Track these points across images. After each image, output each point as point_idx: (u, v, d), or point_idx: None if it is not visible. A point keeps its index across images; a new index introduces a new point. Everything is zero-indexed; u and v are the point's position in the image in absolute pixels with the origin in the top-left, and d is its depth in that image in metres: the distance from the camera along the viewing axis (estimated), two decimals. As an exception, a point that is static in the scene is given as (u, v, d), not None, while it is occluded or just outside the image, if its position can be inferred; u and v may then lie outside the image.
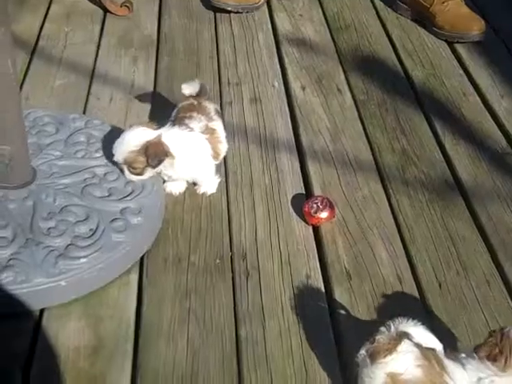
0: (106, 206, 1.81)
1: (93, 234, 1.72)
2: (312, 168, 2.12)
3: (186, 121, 1.96)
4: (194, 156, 1.93)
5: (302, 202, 1.95)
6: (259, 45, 2.70)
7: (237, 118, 2.30)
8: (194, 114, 1.98)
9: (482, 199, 2.03)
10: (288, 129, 2.28)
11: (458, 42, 2.74)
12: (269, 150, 2.18)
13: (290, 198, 2.00)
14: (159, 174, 1.93)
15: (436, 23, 2.77)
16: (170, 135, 1.89)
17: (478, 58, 2.66)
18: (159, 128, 1.91)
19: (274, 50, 2.68)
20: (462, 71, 2.60)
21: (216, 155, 1.99)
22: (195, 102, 2.04)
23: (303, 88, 2.47)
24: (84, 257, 1.67)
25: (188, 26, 2.80)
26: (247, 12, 2.86)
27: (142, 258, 1.79)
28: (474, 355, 1.36)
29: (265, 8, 2.92)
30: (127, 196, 1.84)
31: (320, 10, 2.94)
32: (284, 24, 2.84)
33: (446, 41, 2.75)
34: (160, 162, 1.86)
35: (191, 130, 1.93)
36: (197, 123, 1.96)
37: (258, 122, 2.29)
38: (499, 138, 2.28)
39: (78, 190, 1.84)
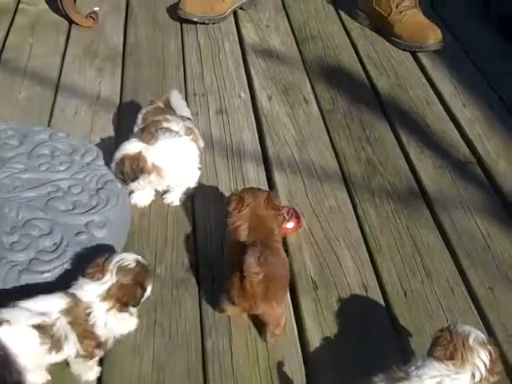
0: (70, 219, 1.79)
1: (57, 248, 1.71)
2: (278, 178, 2.12)
3: (165, 124, 1.94)
4: (185, 162, 1.94)
5: (268, 213, 1.95)
6: (225, 55, 2.71)
7: (203, 129, 2.29)
8: (169, 117, 1.98)
9: (446, 207, 2.06)
10: (254, 139, 2.29)
11: (415, 52, 2.76)
12: (235, 160, 2.18)
13: (256, 208, 2.00)
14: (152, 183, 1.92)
15: (394, 33, 2.79)
16: (159, 147, 1.86)
17: (441, 67, 2.70)
18: (157, 141, 1.86)
19: (241, 60, 2.69)
20: (425, 80, 2.63)
21: (199, 154, 2.00)
22: (162, 106, 2.03)
23: (270, 98, 2.48)
24: (48, 271, 1.66)
25: (154, 37, 2.80)
26: (213, 23, 2.86)
27: (107, 271, 1.78)
28: (431, 358, 1.37)
29: (231, 18, 2.93)
30: (92, 209, 1.83)
31: (286, 21, 2.96)
32: (250, 34, 2.85)
33: (404, 50, 2.78)
34: (134, 178, 1.85)
35: (179, 135, 1.92)
36: (177, 125, 1.95)
37: (225, 133, 2.30)
38: (462, 146, 2.31)
39: (41, 203, 1.82)
